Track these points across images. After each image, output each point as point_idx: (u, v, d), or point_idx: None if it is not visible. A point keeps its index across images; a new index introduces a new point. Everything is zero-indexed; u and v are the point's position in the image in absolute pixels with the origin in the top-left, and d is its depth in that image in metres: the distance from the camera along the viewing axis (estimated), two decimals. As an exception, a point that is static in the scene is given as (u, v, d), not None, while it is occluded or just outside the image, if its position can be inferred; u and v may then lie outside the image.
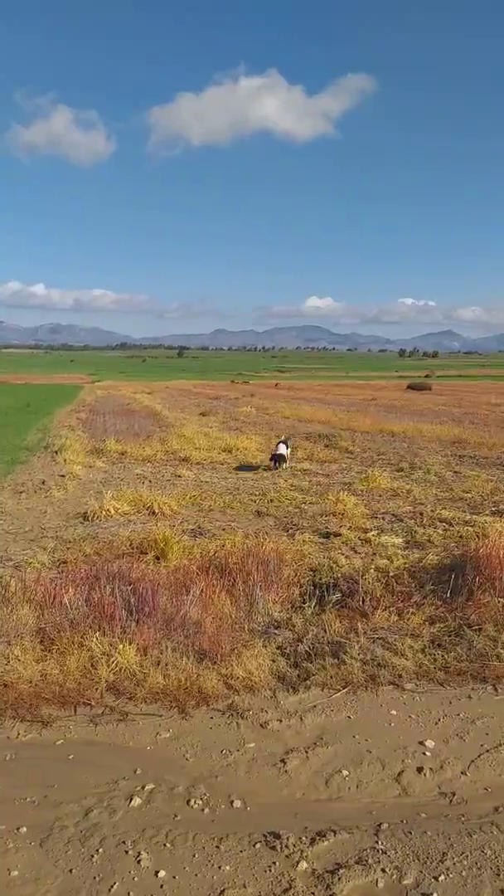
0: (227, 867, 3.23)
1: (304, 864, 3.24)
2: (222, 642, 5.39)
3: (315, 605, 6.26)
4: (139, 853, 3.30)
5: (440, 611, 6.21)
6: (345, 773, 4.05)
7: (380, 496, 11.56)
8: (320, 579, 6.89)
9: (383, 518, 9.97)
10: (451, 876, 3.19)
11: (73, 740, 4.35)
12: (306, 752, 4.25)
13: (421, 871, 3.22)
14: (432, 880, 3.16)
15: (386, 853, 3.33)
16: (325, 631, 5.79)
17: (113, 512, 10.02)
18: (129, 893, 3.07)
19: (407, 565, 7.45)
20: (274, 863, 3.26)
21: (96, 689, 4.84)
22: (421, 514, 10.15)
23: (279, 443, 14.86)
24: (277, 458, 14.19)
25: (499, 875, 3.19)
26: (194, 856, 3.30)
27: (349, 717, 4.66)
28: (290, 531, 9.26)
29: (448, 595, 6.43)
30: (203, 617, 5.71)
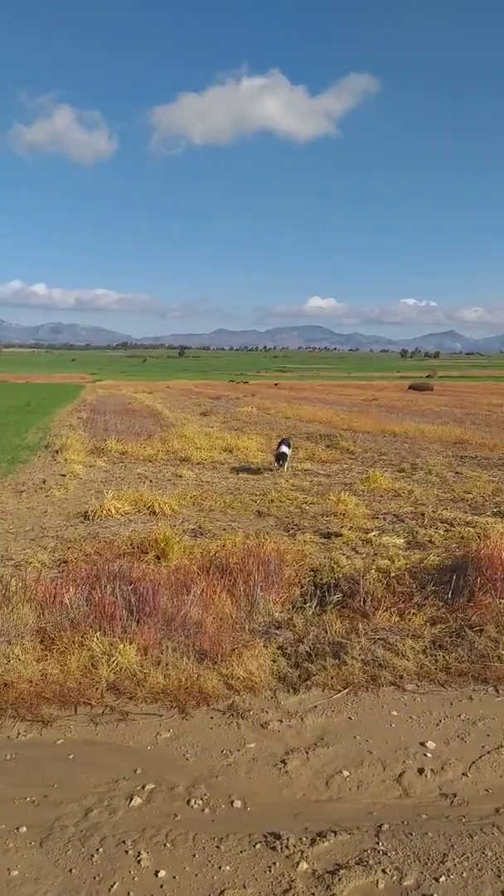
0: (228, 867, 3.22)
1: (304, 865, 3.24)
2: (223, 642, 5.38)
3: (316, 606, 6.25)
4: (139, 853, 3.29)
5: (441, 612, 6.20)
6: (345, 773, 4.04)
7: (381, 497, 11.55)
8: (321, 579, 6.88)
9: (384, 518, 9.96)
10: (451, 877, 3.18)
11: (74, 740, 4.35)
12: (307, 752, 4.24)
13: (422, 873, 3.21)
14: (433, 881, 3.15)
15: (387, 854, 3.33)
16: (326, 631, 5.78)
17: (114, 511, 10.02)
18: (129, 893, 3.07)
19: (408, 566, 7.44)
20: (274, 863, 3.26)
21: (97, 688, 4.83)
22: (422, 514, 10.14)
23: (280, 442, 14.65)
24: (280, 457, 14.01)
25: (499, 876, 3.18)
26: (194, 856, 3.30)
27: (350, 717, 4.65)
28: (291, 531, 9.25)
29: (449, 596, 6.42)
30: (204, 617, 5.71)
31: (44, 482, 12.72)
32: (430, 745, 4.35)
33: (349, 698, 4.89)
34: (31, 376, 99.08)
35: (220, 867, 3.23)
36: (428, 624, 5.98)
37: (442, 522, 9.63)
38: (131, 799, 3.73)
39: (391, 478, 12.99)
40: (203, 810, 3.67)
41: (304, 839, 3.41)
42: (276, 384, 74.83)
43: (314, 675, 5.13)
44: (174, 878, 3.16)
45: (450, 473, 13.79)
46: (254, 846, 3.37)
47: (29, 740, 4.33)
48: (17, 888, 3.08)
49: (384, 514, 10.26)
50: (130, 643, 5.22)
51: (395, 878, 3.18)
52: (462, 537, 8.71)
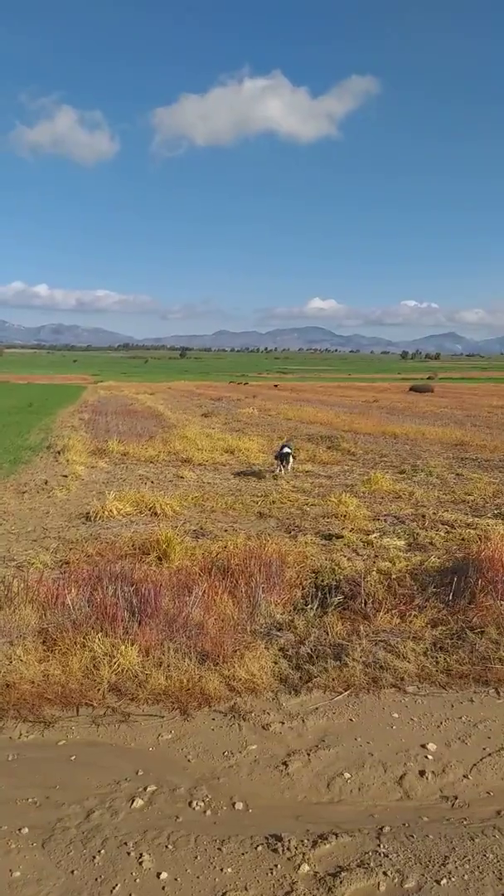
0: (229, 869, 3.23)
1: (305, 867, 3.24)
2: (224, 644, 5.39)
3: (317, 607, 6.25)
4: (141, 855, 3.30)
5: (442, 614, 6.20)
6: (346, 775, 4.04)
7: (382, 498, 11.56)
8: (322, 581, 6.88)
9: (385, 520, 9.96)
10: (453, 880, 3.18)
11: (76, 741, 4.36)
12: (308, 754, 4.24)
13: (423, 875, 3.22)
14: (434, 884, 3.16)
15: (388, 856, 3.33)
16: (328, 633, 5.79)
17: (115, 512, 10.03)
18: (130, 895, 3.07)
19: (409, 568, 7.44)
20: (276, 865, 3.26)
21: (98, 689, 4.84)
22: (423, 516, 10.14)
23: (282, 446, 14.39)
24: (283, 458, 13.84)
25: (501, 879, 3.18)
26: (196, 857, 3.30)
27: (351, 719, 4.66)
28: (293, 533, 9.26)
29: (450, 598, 6.42)
30: (205, 618, 5.71)
31: (46, 483, 12.74)
32: (431, 747, 4.35)
33: (350, 700, 4.89)
34: (32, 377, 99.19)
35: (221, 869, 3.23)
36: (429, 626, 5.99)
37: (443, 524, 9.64)
38: (133, 800, 3.74)
39: (392, 479, 13.00)
40: (205, 812, 3.67)
41: (305, 841, 3.42)
42: (275, 385, 74.84)
43: (315, 677, 5.14)
44: (176, 879, 3.16)
45: (450, 475, 13.80)
46: (255, 848, 3.37)
47: (31, 741, 4.34)
48: (20, 889, 3.09)
49: (385, 515, 10.26)
50: (132, 644, 5.22)
51: (396, 880, 3.18)
52: (463, 539, 8.71)
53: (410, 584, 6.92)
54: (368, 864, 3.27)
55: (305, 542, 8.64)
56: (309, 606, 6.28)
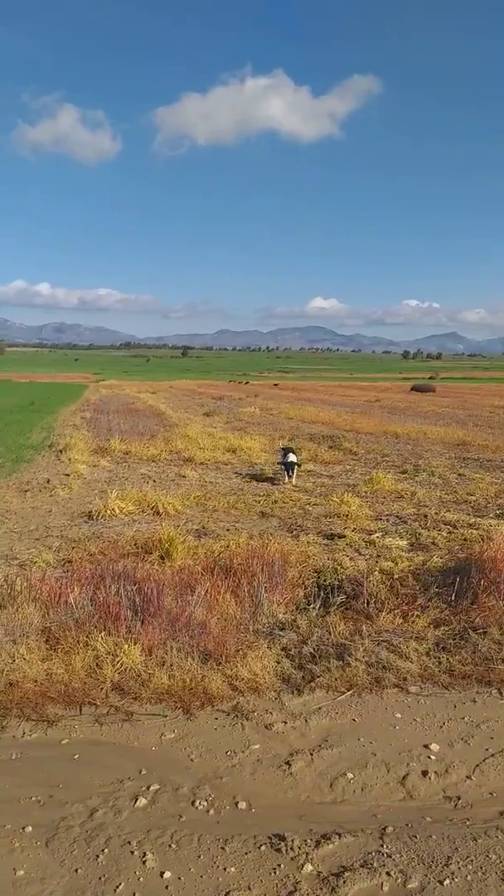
0: (233, 869, 3.23)
1: (309, 867, 3.24)
2: (227, 643, 5.39)
3: (319, 607, 6.25)
4: (144, 854, 3.30)
5: (445, 614, 6.20)
6: (350, 775, 4.04)
7: (384, 498, 11.56)
8: (325, 581, 6.88)
9: (387, 520, 9.96)
10: (456, 880, 3.18)
11: (79, 740, 4.36)
12: (311, 754, 4.25)
13: (426, 875, 3.22)
14: (437, 884, 3.16)
15: (391, 857, 3.33)
16: (330, 633, 5.79)
17: (118, 511, 10.03)
18: (134, 894, 3.08)
19: (411, 568, 7.43)
20: (279, 865, 3.26)
21: (101, 688, 4.85)
22: (425, 516, 10.14)
23: (285, 452, 13.52)
24: (288, 467, 12.99)
25: (504, 880, 3.18)
26: (199, 857, 3.30)
27: (354, 719, 4.66)
28: (295, 532, 9.26)
29: (453, 598, 6.42)
30: (208, 618, 5.72)
31: (48, 482, 12.75)
32: (434, 747, 4.35)
33: (353, 700, 4.90)
34: (34, 376, 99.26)
35: (225, 868, 3.23)
36: (431, 626, 5.99)
37: (445, 524, 9.64)
38: (136, 799, 3.74)
39: (394, 479, 12.99)
40: (208, 811, 3.68)
41: (308, 841, 3.42)
42: (275, 384, 74.78)
43: (318, 677, 5.14)
44: (179, 878, 3.17)
45: (452, 475, 13.79)
46: (259, 848, 3.38)
47: (34, 740, 4.35)
48: (23, 888, 3.09)
49: (387, 515, 10.27)
50: (135, 643, 5.23)
51: (399, 880, 3.19)
52: (465, 539, 8.71)
53: (413, 584, 6.92)
54: (372, 864, 3.27)
55: (307, 542, 8.64)
56: (311, 606, 6.28)
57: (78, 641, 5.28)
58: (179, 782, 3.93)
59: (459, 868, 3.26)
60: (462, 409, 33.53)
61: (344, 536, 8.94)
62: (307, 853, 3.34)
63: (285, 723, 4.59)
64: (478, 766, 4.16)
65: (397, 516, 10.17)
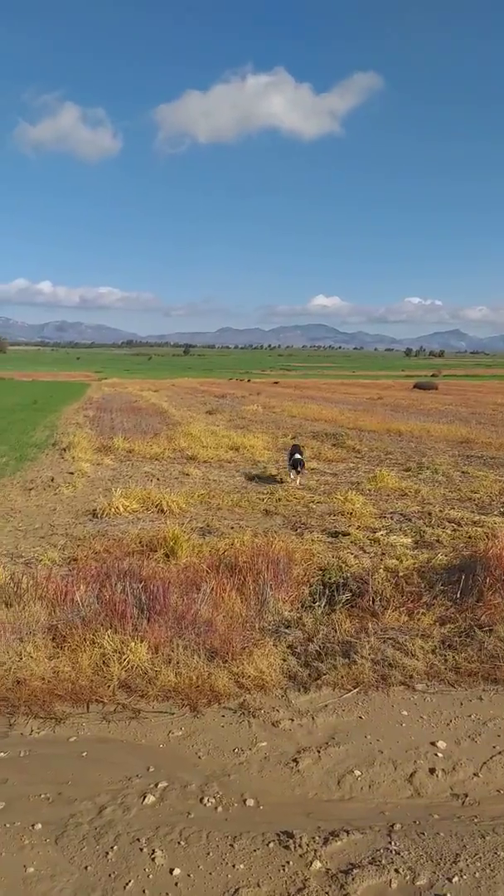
0: (241, 866, 3.24)
1: (317, 864, 3.25)
2: (233, 641, 5.40)
3: (325, 605, 6.26)
4: (153, 851, 3.31)
5: (450, 611, 6.20)
6: (357, 773, 4.05)
7: (388, 496, 11.55)
8: (330, 579, 6.89)
9: (392, 518, 9.96)
10: (464, 877, 3.19)
11: (87, 737, 4.37)
12: (318, 751, 4.25)
13: (434, 873, 3.22)
14: (446, 881, 3.16)
15: (399, 854, 3.34)
16: (336, 630, 5.80)
17: (122, 509, 10.05)
18: (144, 891, 3.09)
19: (416, 565, 7.43)
20: (287, 862, 3.27)
21: (108, 686, 4.86)
22: (429, 514, 10.14)
23: (292, 451, 13.16)
24: (296, 464, 12.61)
25: (513, 877, 3.19)
26: (208, 854, 3.31)
27: (360, 717, 4.66)
28: (299, 530, 9.26)
29: (458, 596, 6.42)
30: (214, 615, 5.72)
31: (52, 480, 12.76)
32: (441, 745, 4.36)
33: (359, 698, 4.90)
34: (36, 374, 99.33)
35: (234, 865, 3.24)
36: (437, 624, 5.99)
37: (449, 522, 9.63)
38: (145, 797, 3.75)
39: (398, 477, 12.98)
40: (216, 808, 3.69)
41: (316, 838, 3.43)
42: (275, 382, 74.69)
43: (324, 675, 5.15)
44: (189, 876, 3.17)
45: (456, 473, 13.78)
46: (267, 845, 3.38)
47: (42, 737, 4.36)
48: (34, 885, 3.11)
49: (391, 513, 10.26)
50: (141, 641, 5.24)
51: (408, 877, 3.19)
52: (470, 537, 8.71)
53: (418, 581, 6.92)
54: (380, 861, 3.28)
55: (312, 540, 8.64)
56: (317, 604, 6.29)
57: (84, 639, 5.29)
58: (187, 780, 3.94)
59: (468, 865, 3.26)
60: (465, 407, 33.48)
61: (348, 534, 8.94)
62: (316, 850, 3.34)
63: (292, 720, 4.60)
64: (485, 763, 4.16)
65: (401, 514, 10.17)
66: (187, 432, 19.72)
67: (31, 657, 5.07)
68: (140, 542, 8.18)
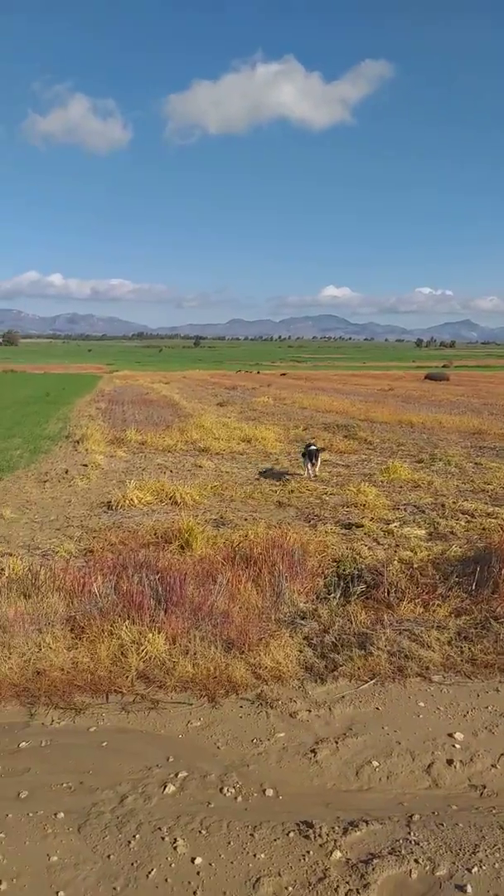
0: (262, 855, 3.27)
1: (337, 854, 3.27)
2: (249, 632, 5.43)
3: (340, 596, 6.27)
4: (175, 840, 3.35)
5: (465, 603, 6.20)
6: (375, 763, 4.07)
7: (401, 487, 11.54)
8: (344, 570, 6.90)
9: (405, 509, 9.95)
10: (483, 868, 3.20)
11: (106, 727, 4.41)
12: (336, 742, 4.27)
13: (454, 863, 3.24)
14: (465, 872, 3.18)
15: (419, 844, 3.35)
16: (351, 622, 5.81)
17: (136, 501, 10.10)
18: (166, 880, 3.12)
19: (430, 557, 7.43)
20: (308, 851, 3.30)
21: (127, 677, 4.90)
22: (443, 505, 10.12)
23: (307, 446, 12.86)
24: (311, 455, 12.33)
25: (532, 868, 3.20)
26: (229, 843, 3.34)
27: (377, 708, 4.68)
28: (312, 522, 9.27)
29: (473, 587, 6.42)
30: (230, 607, 5.75)
31: (66, 472, 12.84)
32: (459, 736, 4.36)
33: (376, 689, 4.92)
34: (48, 367, 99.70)
35: (254, 855, 3.27)
36: (452, 615, 5.99)
37: (463, 513, 9.61)
38: (165, 786, 3.79)
39: (410, 469, 12.96)
40: (236, 798, 3.72)
41: (336, 828, 3.45)
42: (282, 374, 74.47)
43: (341, 666, 5.16)
44: (210, 864, 3.21)
45: (469, 464, 13.74)
46: (287, 834, 3.41)
47: (63, 727, 4.41)
48: (57, 873, 3.15)
49: (404, 504, 10.25)
50: (159, 632, 5.28)
51: (427, 868, 3.21)
52: (484, 528, 8.69)
53: (432, 573, 6.92)
54: (400, 851, 3.30)
55: (325, 532, 8.66)
56: (332, 595, 6.30)
57: (102, 630, 5.33)
58: (207, 769, 3.97)
59: (487, 856, 3.28)
60: (477, 398, 33.33)
61: (362, 526, 8.95)
62: (335, 840, 3.37)
63: (309, 711, 4.62)
64: (503, 754, 4.17)
65: (415, 506, 10.15)
66: (199, 424, 19.75)
67: (51, 648, 5.12)
68: (155, 534, 8.22)
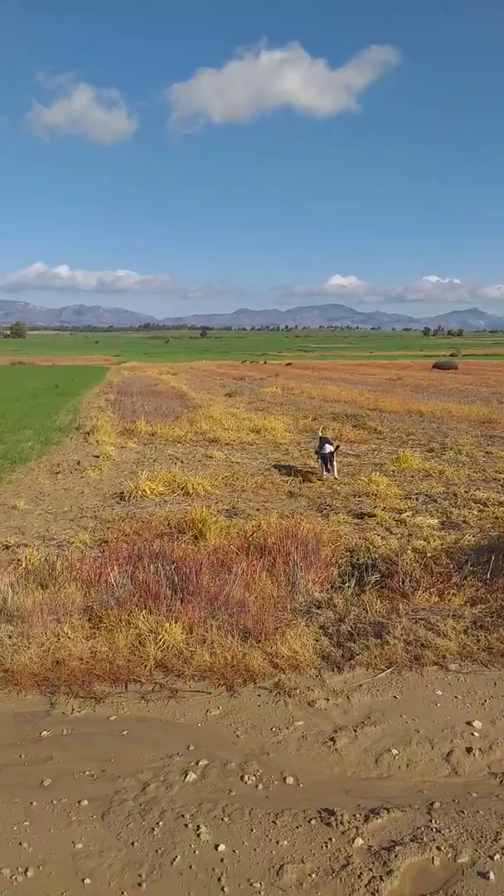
0: (285, 842, 3.29)
1: (359, 841, 3.29)
2: (266, 621, 5.45)
3: (354, 586, 6.28)
4: (198, 827, 3.38)
5: (481, 592, 6.20)
6: (394, 751, 4.09)
7: (412, 477, 11.51)
8: (358, 560, 6.90)
9: (417, 499, 9.93)
10: (506, 855, 3.22)
11: (126, 716, 4.45)
12: (355, 730, 4.29)
13: (476, 850, 3.25)
14: (488, 859, 3.19)
15: (440, 831, 3.37)
16: (367, 611, 5.82)
17: (148, 492, 10.12)
18: (190, 867, 3.15)
19: (444, 546, 7.42)
20: (330, 839, 3.32)
21: (145, 666, 4.93)
22: (455, 494, 10.10)
23: (322, 442, 11.85)
24: (328, 458, 11.47)
25: None
26: (252, 830, 3.37)
27: (395, 696, 4.69)
28: (324, 512, 9.28)
29: (488, 576, 6.42)
30: (246, 596, 5.77)
31: (78, 463, 12.88)
32: (477, 724, 4.37)
33: (393, 678, 4.93)
34: (56, 358, 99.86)
35: (277, 842, 3.30)
36: (468, 604, 5.99)
37: (475, 502, 9.58)
38: (186, 774, 3.82)
39: (421, 458, 12.92)
40: (257, 786, 3.74)
41: (357, 816, 3.47)
42: (288, 364, 74.25)
43: (357, 655, 5.18)
44: (234, 851, 3.23)
45: (480, 453, 13.69)
46: (309, 822, 3.43)
47: (83, 716, 4.44)
48: (83, 861, 3.18)
49: (416, 494, 10.23)
50: (176, 622, 5.30)
51: (449, 855, 3.23)
52: (497, 517, 8.68)
53: (446, 562, 6.91)
54: (421, 838, 3.32)
55: (338, 521, 8.66)
56: (346, 585, 6.31)
57: (120, 620, 5.36)
58: (227, 758, 3.99)
59: (509, 843, 3.29)
60: (485, 387, 33.18)
61: (374, 515, 8.94)
62: (357, 827, 3.39)
63: (327, 700, 4.64)
64: (522, 742, 4.18)
65: (426, 495, 10.13)
66: (208, 415, 19.74)
67: (69, 638, 5.15)
68: (168, 524, 8.24)
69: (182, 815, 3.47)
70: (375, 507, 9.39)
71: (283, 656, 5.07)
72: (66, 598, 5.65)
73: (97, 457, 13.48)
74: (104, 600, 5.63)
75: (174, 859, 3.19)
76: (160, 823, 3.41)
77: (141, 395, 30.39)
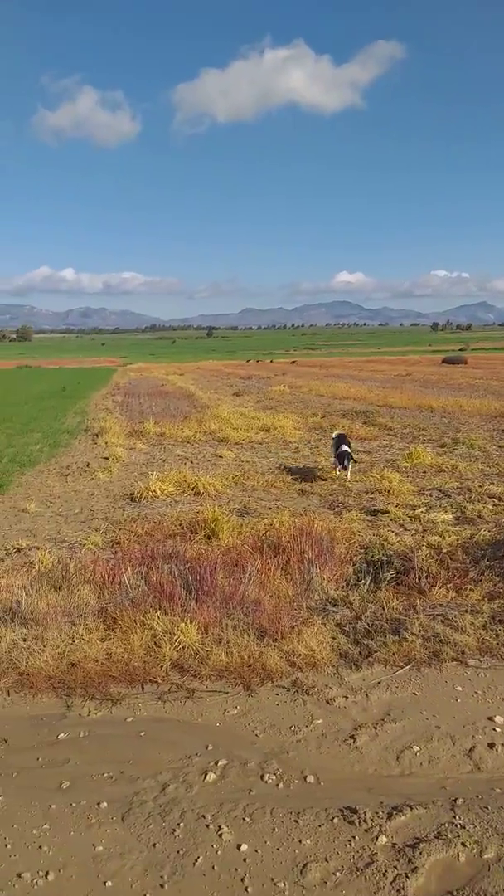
0: (308, 841, 3.26)
1: (383, 839, 3.25)
2: (281, 620, 5.41)
3: (370, 583, 6.23)
4: (220, 827, 3.34)
5: (498, 587, 6.13)
6: (415, 748, 4.04)
7: (424, 472, 11.44)
8: (373, 557, 6.85)
9: (430, 494, 9.86)
10: (532, 851, 3.16)
11: (143, 717, 4.42)
12: (374, 728, 4.24)
13: (501, 846, 3.20)
14: (514, 855, 3.15)
15: (464, 828, 3.32)
16: (384, 608, 5.77)
17: (159, 493, 10.10)
18: (213, 867, 3.11)
19: (459, 541, 7.36)
20: (353, 837, 3.28)
21: (161, 666, 4.90)
22: (468, 489, 10.01)
23: (338, 441, 11.55)
24: (344, 457, 11.07)
25: None
26: (274, 830, 3.33)
27: (415, 693, 4.64)
28: (337, 509, 9.23)
29: (505, 571, 6.35)
30: (261, 595, 5.73)
31: (88, 465, 12.88)
32: (498, 719, 4.31)
33: (412, 674, 4.88)
34: (62, 361, 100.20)
35: (300, 841, 3.26)
36: (486, 599, 5.93)
37: (489, 497, 9.50)
38: (206, 774, 3.78)
39: (433, 453, 12.84)
40: (277, 785, 3.70)
41: (380, 813, 3.42)
42: (292, 362, 74.06)
43: (375, 652, 5.13)
44: (256, 851, 3.20)
45: (492, 447, 13.59)
46: (331, 820, 3.39)
47: (100, 718, 4.41)
48: (104, 863, 3.15)
49: (429, 489, 10.16)
50: (191, 622, 5.27)
51: (475, 851, 3.18)
52: (512, 512, 8.59)
53: (462, 557, 6.85)
54: (446, 835, 3.27)
55: (351, 519, 8.60)
56: (362, 582, 6.26)
57: (135, 621, 5.33)
58: (246, 757, 3.96)
59: (535, 839, 3.24)
60: (496, 380, 32.99)
61: (387, 512, 8.88)
62: (380, 825, 3.34)
63: (346, 697, 4.59)
64: (545, 737, 4.12)
65: (440, 490, 10.06)
66: (216, 415, 19.72)
67: (84, 640, 5.13)
68: (180, 525, 8.21)
69: (203, 816, 3.44)
70: (388, 503, 9.34)
71: (299, 655, 5.03)
72: (80, 599, 5.63)
73: (106, 458, 13.48)
74: (118, 601, 5.61)
75: (196, 860, 3.15)
76: (181, 824, 3.38)
77: (148, 396, 30.40)
